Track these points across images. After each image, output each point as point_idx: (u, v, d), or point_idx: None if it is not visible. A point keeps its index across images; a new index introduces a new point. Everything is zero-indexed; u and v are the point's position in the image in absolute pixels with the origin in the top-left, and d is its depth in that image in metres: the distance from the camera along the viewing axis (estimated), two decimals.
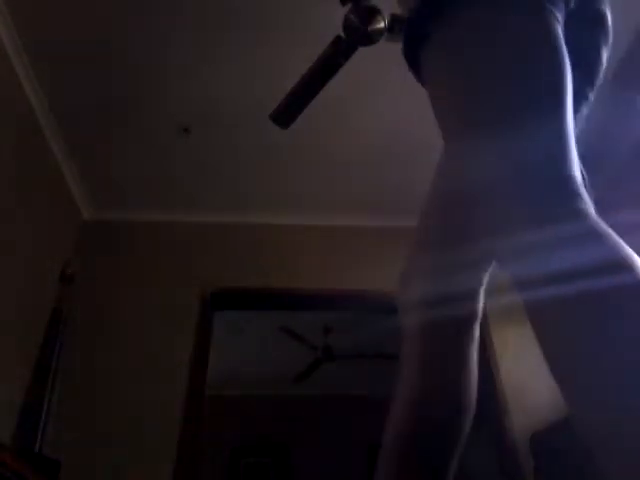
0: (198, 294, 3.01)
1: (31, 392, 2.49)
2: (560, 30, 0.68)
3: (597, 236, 0.58)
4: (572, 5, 0.72)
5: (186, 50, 2.41)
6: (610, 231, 0.59)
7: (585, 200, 0.62)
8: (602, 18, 0.85)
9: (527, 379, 2.64)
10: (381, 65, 2.18)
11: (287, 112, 1.51)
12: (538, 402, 2.60)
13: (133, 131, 2.81)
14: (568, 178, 0.63)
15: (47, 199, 2.79)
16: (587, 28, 0.83)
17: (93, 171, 3.03)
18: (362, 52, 1.37)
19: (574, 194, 0.62)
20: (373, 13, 1.26)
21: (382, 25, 1.27)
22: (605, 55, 0.86)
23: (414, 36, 0.72)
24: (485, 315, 1.06)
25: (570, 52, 0.70)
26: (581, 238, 0.58)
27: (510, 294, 0.66)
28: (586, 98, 0.88)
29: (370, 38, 1.28)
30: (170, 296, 2.99)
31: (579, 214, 0.60)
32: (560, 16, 0.69)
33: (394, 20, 1.27)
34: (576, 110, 0.78)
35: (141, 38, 2.37)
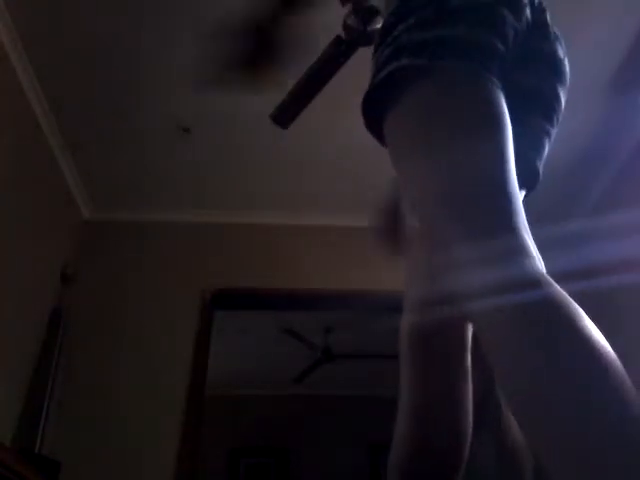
0: (198, 294, 3.01)
1: (31, 392, 2.49)
2: (496, 89, 0.78)
3: (514, 254, 0.66)
4: (508, 60, 0.82)
5: (186, 50, 2.41)
6: (525, 249, 0.67)
7: (513, 218, 0.69)
8: (555, 62, 0.95)
9: None
10: None
11: (287, 112, 1.51)
12: None
13: (133, 131, 2.81)
14: (500, 196, 0.71)
15: (47, 199, 2.79)
16: (540, 73, 0.94)
17: (93, 171, 3.03)
18: (363, 52, 1.37)
19: (504, 214, 0.69)
20: (373, 13, 1.26)
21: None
22: (562, 94, 0.97)
23: (372, 110, 0.85)
24: None
25: (525, 94, 0.89)
26: (501, 256, 0.66)
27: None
28: (547, 133, 0.97)
29: (370, 38, 1.29)
30: (170, 296, 2.99)
31: (502, 231, 0.68)
32: (495, 78, 0.79)
33: None
34: (539, 145, 0.95)
35: (141, 38, 2.37)
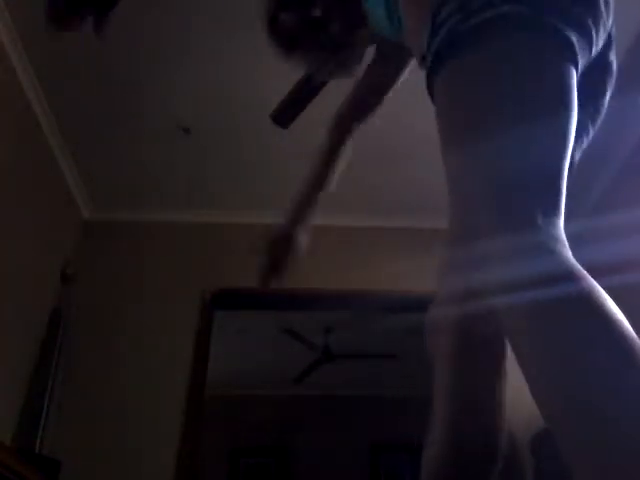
0: (198, 294, 3.01)
1: (31, 392, 2.49)
2: (575, 71, 0.74)
3: (546, 250, 0.64)
4: (593, 55, 0.80)
5: (187, 50, 2.41)
6: (561, 241, 0.65)
7: (556, 211, 0.67)
8: (611, 66, 0.96)
9: None
10: None
11: (287, 112, 1.51)
12: None
13: (133, 131, 2.81)
14: (550, 189, 0.68)
15: (47, 199, 2.78)
16: (598, 75, 0.93)
17: (93, 171, 3.03)
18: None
19: (535, 210, 0.67)
20: None
21: None
22: (607, 99, 0.97)
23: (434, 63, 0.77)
24: None
25: (585, 92, 0.81)
26: (534, 250, 0.64)
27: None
28: (587, 132, 0.97)
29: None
30: (170, 296, 2.98)
31: (534, 228, 0.66)
32: (581, 62, 0.75)
33: None
34: (579, 145, 0.94)
35: (142, 38, 2.37)
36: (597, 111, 0.97)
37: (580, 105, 0.82)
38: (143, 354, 2.80)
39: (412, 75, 0.83)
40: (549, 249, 0.64)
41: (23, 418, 2.42)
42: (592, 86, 0.92)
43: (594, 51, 0.80)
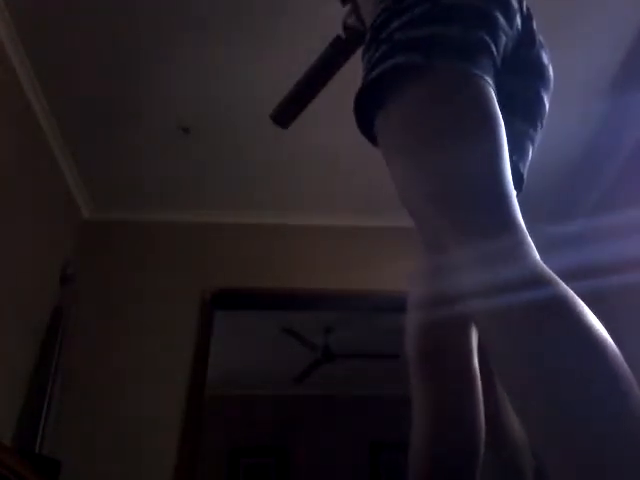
0: (198, 294, 3.01)
1: (31, 392, 2.49)
2: (489, 88, 0.78)
3: (515, 252, 0.66)
4: (498, 64, 0.83)
5: (186, 50, 2.42)
6: (526, 246, 0.66)
7: (511, 216, 0.69)
8: (540, 68, 0.97)
9: None
10: None
11: (287, 112, 1.51)
12: None
13: (133, 131, 2.81)
14: (496, 194, 0.70)
15: (47, 199, 2.79)
16: (526, 78, 0.95)
17: (93, 171, 3.03)
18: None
19: (504, 211, 0.69)
20: None
21: None
22: (546, 99, 0.98)
23: (365, 108, 0.84)
24: None
25: (510, 98, 0.89)
26: (504, 255, 0.65)
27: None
28: (530, 138, 0.99)
29: None
30: (170, 296, 2.99)
31: (504, 230, 0.67)
32: (489, 77, 0.79)
33: None
34: (522, 149, 0.96)
35: (142, 38, 2.37)
36: (538, 117, 0.99)
37: (519, 115, 0.93)
38: (143, 354, 2.80)
39: None
40: (517, 254, 0.65)
41: (23, 418, 2.42)
42: (528, 94, 0.96)
43: (498, 60, 0.83)
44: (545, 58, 0.97)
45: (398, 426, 5.26)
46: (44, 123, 2.66)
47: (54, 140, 2.76)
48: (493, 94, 0.78)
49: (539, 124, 0.99)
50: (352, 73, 1.66)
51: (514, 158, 0.94)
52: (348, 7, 1.28)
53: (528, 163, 1.00)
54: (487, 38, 0.80)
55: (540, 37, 0.97)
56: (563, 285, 0.62)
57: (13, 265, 2.42)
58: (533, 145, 1.00)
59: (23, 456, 1.88)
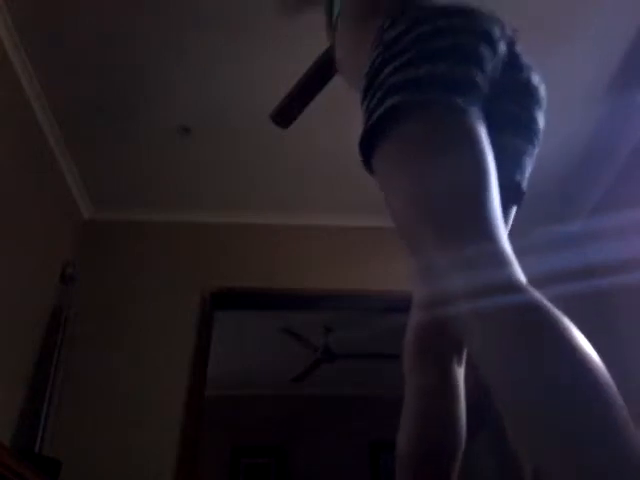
0: (198, 294, 3.01)
1: (31, 392, 2.49)
2: (476, 119, 0.84)
3: (493, 261, 0.69)
4: (485, 91, 0.88)
5: (187, 50, 2.41)
6: (504, 255, 0.70)
7: (491, 227, 0.73)
8: (531, 88, 1.02)
9: None
10: None
11: (287, 112, 1.51)
12: None
13: (133, 131, 2.81)
14: (478, 206, 0.74)
15: (47, 199, 2.79)
16: (519, 101, 1.01)
17: (93, 171, 3.03)
18: None
19: (483, 223, 0.73)
20: None
21: None
22: (540, 117, 1.04)
23: (365, 147, 0.94)
24: None
25: (507, 120, 0.98)
26: (480, 262, 0.69)
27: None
28: (527, 153, 1.04)
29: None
30: (170, 296, 2.99)
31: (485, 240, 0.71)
32: (475, 108, 0.85)
33: None
34: (519, 164, 1.03)
35: (142, 38, 2.37)
36: (533, 134, 1.05)
37: (517, 135, 1.00)
38: (143, 354, 2.80)
39: None
40: (495, 261, 0.69)
41: (23, 418, 2.42)
42: (523, 115, 1.02)
43: (486, 88, 0.89)
44: (535, 80, 1.02)
45: (398, 426, 5.26)
46: (44, 123, 2.66)
47: (54, 140, 2.76)
48: (480, 122, 0.84)
49: (535, 140, 1.05)
50: None
51: (512, 173, 1.02)
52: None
53: (527, 176, 1.06)
54: (472, 71, 0.86)
55: (526, 60, 1.02)
56: (538, 293, 0.65)
57: (13, 265, 2.42)
58: (531, 159, 1.06)
59: (23, 456, 1.88)
